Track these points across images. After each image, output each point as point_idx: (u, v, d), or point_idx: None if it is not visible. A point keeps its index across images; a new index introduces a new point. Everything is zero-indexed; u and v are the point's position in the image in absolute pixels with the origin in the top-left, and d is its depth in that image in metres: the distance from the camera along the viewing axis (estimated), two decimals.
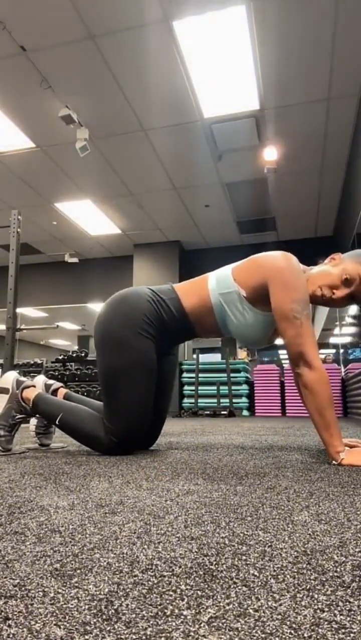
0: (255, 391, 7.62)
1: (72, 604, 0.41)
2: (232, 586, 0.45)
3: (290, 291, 1.43)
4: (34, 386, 1.68)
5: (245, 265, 1.57)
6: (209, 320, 1.61)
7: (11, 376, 1.67)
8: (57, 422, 1.58)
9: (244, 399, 7.54)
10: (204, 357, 8.28)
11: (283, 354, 19.53)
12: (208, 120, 4.79)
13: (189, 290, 1.63)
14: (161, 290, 1.63)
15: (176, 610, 0.40)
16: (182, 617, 0.38)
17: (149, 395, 1.58)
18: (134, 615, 0.39)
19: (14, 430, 1.63)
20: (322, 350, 14.47)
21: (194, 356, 7.94)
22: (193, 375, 7.45)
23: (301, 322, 1.39)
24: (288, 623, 0.37)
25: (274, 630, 0.36)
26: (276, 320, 1.45)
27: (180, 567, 0.50)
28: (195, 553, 0.55)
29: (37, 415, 1.72)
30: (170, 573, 0.48)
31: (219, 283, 1.58)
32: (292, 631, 0.36)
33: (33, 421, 1.80)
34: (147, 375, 1.55)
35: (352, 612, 0.39)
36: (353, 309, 6.10)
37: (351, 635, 0.35)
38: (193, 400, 7.32)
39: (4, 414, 1.61)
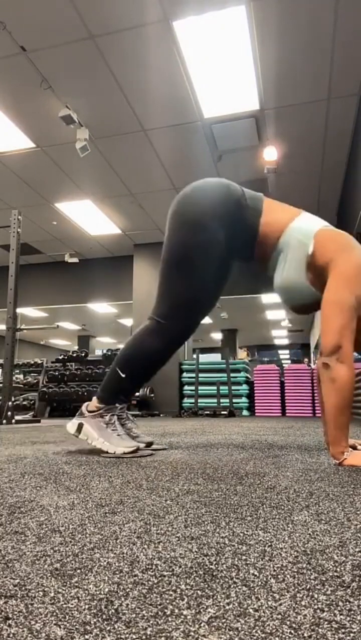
0: (255, 391, 7.62)
1: (72, 604, 0.41)
2: (232, 586, 0.45)
3: (354, 284, 1.38)
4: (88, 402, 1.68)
5: (331, 235, 1.49)
6: (268, 248, 1.56)
7: (70, 422, 1.64)
8: (122, 374, 1.58)
9: (244, 399, 7.55)
10: (204, 357, 8.28)
11: (283, 354, 19.54)
12: (208, 120, 4.79)
13: (275, 211, 1.58)
14: (251, 196, 1.60)
15: (176, 610, 0.40)
16: (182, 617, 0.38)
17: (211, 286, 1.61)
18: (134, 615, 0.39)
19: (116, 430, 1.61)
20: None
21: (194, 356, 7.94)
22: (193, 375, 7.45)
23: (351, 316, 1.35)
24: (288, 623, 0.37)
25: (274, 630, 0.36)
26: (326, 304, 1.39)
27: (180, 567, 0.50)
28: (195, 553, 0.55)
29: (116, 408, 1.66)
30: (170, 573, 0.48)
31: (302, 229, 1.50)
32: (292, 631, 0.36)
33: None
34: (213, 263, 1.56)
35: (352, 612, 0.39)
36: None
37: (351, 635, 0.35)
38: (193, 400, 7.32)
39: (101, 432, 1.57)
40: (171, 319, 1.59)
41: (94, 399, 1.65)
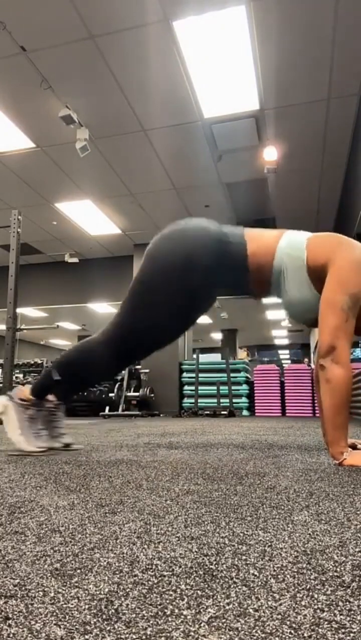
0: (255, 391, 7.62)
1: (72, 604, 0.41)
2: (232, 586, 0.45)
3: (348, 283, 1.37)
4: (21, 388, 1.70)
5: (322, 239, 1.49)
6: (264, 277, 1.54)
7: (1, 397, 1.67)
8: (56, 376, 1.60)
9: (244, 399, 7.55)
10: (204, 357, 8.28)
11: (283, 354, 19.53)
12: (208, 120, 4.79)
13: (258, 238, 1.55)
14: (231, 232, 1.57)
15: (176, 610, 0.40)
16: (182, 617, 0.38)
17: (168, 328, 1.61)
18: (134, 615, 0.39)
19: (36, 428, 1.63)
20: None
21: (194, 356, 7.94)
22: (193, 375, 7.45)
23: (347, 317, 1.35)
24: (288, 623, 0.37)
25: (274, 630, 0.36)
26: (321, 305, 1.39)
27: (180, 567, 0.50)
28: (195, 553, 0.55)
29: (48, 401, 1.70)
30: (170, 573, 0.48)
31: (290, 245, 1.49)
32: (292, 631, 0.36)
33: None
34: (175, 308, 1.56)
35: (352, 612, 0.39)
36: None
37: (351, 635, 0.35)
38: (193, 400, 7.32)
39: (22, 423, 1.59)
40: (119, 342, 1.60)
41: (29, 387, 1.67)
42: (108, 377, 1.68)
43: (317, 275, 1.45)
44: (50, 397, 1.68)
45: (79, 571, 0.49)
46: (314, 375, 1.64)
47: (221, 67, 4.03)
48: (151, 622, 0.37)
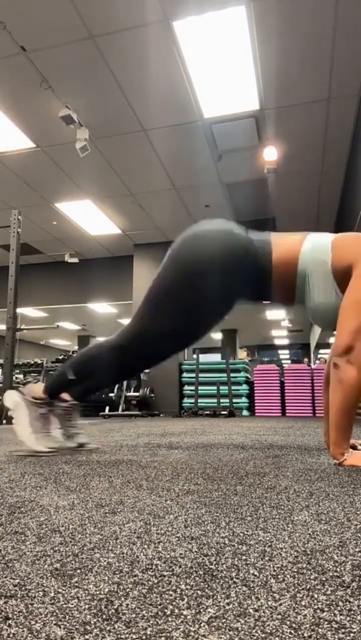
0: (255, 391, 7.62)
1: (72, 604, 0.41)
2: (232, 586, 0.45)
3: None
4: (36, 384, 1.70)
5: (349, 239, 1.45)
6: (289, 285, 1.48)
7: (13, 393, 1.65)
8: (71, 376, 1.57)
9: (244, 399, 7.54)
10: (204, 357, 8.28)
11: (283, 354, 19.53)
12: (208, 120, 4.79)
13: (283, 243, 1.49)
14: (258, 239, 1.51)
15: (176, 610, 0.40)
16: (182, 617, 0.38)
17: (186, 330, 1.58)
18: (134, 615, 0.39)
19: (47, 427, 1.63)
20: (323, 351, 14.46)
21: (194, 356, 7.94)
22: (193, 375, 7.45)
23: None
24: (288, 623, 0.37)
25: (274, 630, 0.36)
26: (345, 304, 1.35)
27: (180, 567, 0.50)
28: (195, 553, 0.55)
29: (58, 405, 1.69)
30: (170, 573, 0.48)
31: (315, 248, 1.44)
32: (292, 631, 0.36)
33: (58, 430, 1.75)
34: (196, 311, 1.52)
35: (352, 612, 0.39)
36: None
37: (351, 635, 0.35)
38: (193, 400, 7.32)
39: (32, 422, 1.58)
40: (135, 347, 1.58)
41: (42, 385, 1.66)
42: (122, 380, 1.66)
43: (343, 277, 1.40)
44: (65, 396, 1.66)
45: (79, 571, 0.49)
46: (324, 374, 1.62)
47: (221, 67, 4.03)
48: (151, 622, 0.37)
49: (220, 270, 1.48)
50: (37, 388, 1.64)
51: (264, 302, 1.61)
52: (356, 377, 1.30)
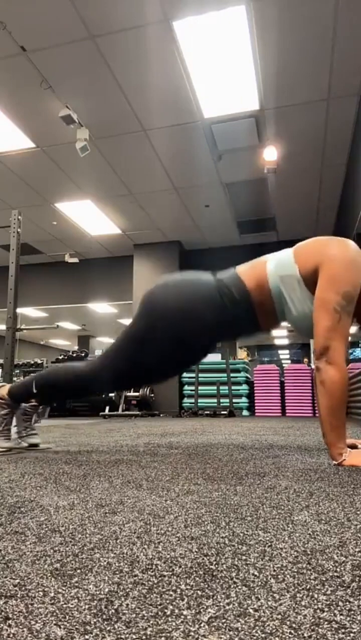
0: (255, 391, 7.62)
1: (72, 604, 0.41)
2: (232, 586, 0.45)
3: (339, 282, 1.34)
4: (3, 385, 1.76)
5: (307, 245, 1.48)
6: (269, 307, 1.50)
7: None
8: (34, 390, 1.64)
9: (244, 399, 7.54)
10: None
11: (283, 354, 19.52)
12: (208, 120, 4.79)
13: (250, 272, 1.52)
14: (227, 277, 1.53)
15: (176, 610, 0.40)
16: (182, 617, 0.38)
17: (159, 369, 1.63)
18: (134, 615, 0.39)
19: (6, 427, 1.70)
20: None
21: None
22: (193, 375, 7.44)
23: (339, 317, 1.33)
24: (288, 623, 0.37)
25: (274, 630, 0.36)
26: (315, 307, 1.37)
27: (180, 567, 0.50)
28: (195, 553, 0.55)
29: (22, 408, 1.77)
30: (170, 573, 0.48)
31: (279, 265, 1.47)
32: (292, 631, 0.36)
33: (14, 429, 1.83)
34: (168, 356, 1.57)
35: (352, 612, 0.39)
36: None
37: (351, 635, 0.35)
38: (193, 400, 7.32)
39: None
40: (103, 379, 1.63)
41: (7, 386, 1.71)
42: (87, 396, 1.77)
43: (313, 282, 1.42)
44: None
45: (79, 571, 0.49)
46: (314, 376, 1.63)
47: (221, 67, 4.03)
48: (151, 622, 0.38)
49: (198, 319, 1.50)
50: (2, 390, 1.71)
51: (259, 332, 1.61)
52: (337, 376, 1.30)
